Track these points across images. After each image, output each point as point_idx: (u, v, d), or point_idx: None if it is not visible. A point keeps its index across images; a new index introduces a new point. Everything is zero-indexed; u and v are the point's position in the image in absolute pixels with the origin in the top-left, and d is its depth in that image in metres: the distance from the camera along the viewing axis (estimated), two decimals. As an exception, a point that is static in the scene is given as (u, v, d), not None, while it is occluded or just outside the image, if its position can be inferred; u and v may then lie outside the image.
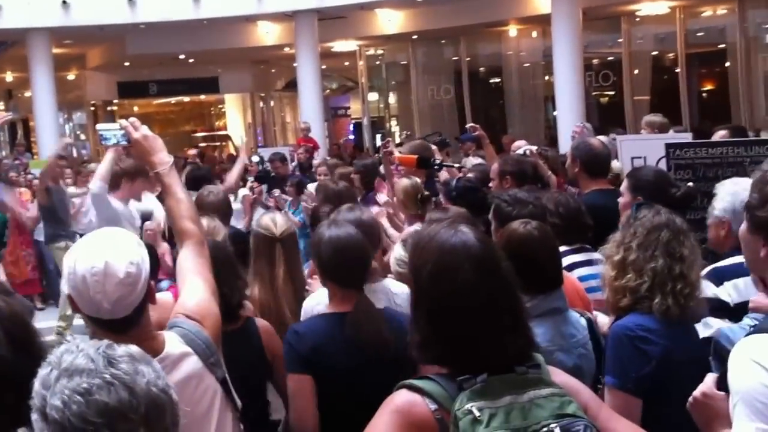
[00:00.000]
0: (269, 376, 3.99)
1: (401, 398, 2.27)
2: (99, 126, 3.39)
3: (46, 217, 11.15)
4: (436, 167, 7.04)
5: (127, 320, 2.51)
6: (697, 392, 2.37)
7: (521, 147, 9.34)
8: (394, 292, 4.20)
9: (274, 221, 4.63)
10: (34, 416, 1.79)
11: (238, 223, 8.39)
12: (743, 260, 2.63)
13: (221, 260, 3.60)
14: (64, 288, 2.86)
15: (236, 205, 11.06)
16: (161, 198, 5.60)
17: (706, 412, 2.33)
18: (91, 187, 7.04)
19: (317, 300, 4.17)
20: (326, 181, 8.56)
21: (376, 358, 3.51)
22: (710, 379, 2.36)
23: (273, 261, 4.52)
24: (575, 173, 6.01)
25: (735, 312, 3.58)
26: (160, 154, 3.11)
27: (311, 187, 9.87)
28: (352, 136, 28.02)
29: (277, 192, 10.74)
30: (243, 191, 11.56)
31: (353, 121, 29.25)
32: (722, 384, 2.23)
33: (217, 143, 30.06)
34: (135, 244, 2.60)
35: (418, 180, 6.67)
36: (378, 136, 24.36)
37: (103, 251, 2.49)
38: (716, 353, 2.53)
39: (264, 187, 11.17)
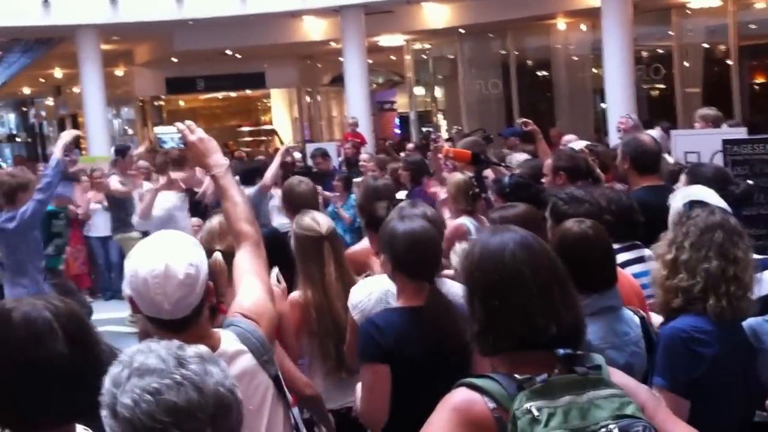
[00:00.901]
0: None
1: (460, 396, 2.29)
2: (157, 129, 3.45)
3: (116, 208, 11.25)
4: (486, 164, 6.99)
5: (185, 320, 2.60)
6: None
7: (572, 141, 9.26)
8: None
9: (316, 220, 4.64)
10: (104, 413, 1.84)
11: (280, 218, 8.42)
12: None
13: None
14: (126, 290, 2.89)
15: (277, 202, 11.13)
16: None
17: None
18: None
19: (369, 290, 4.20)
20: (368, 176, 8.57)
21: (450, 351, 3.54)
22: None
23: (322, 261, 4.54)
24: (625, 169, 5.93)
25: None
26: (216, 156, 3.19)
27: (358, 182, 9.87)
28: (398, 131, 27.99)
29: (319, 188, 10.71)
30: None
31: (399, 115, 29.22)
32: None
33: (263, 138, 30.20)
34: (193, 246, 2.70)
35: (471, 175, 6.65)
36: (424, 130, 24.36)
37: (163, 254, 2.58)
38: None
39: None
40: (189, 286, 2.58)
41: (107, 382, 1.86)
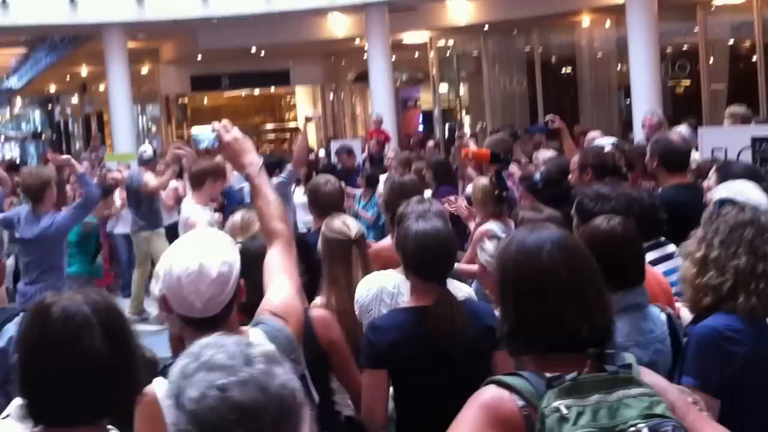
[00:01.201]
0: (327, 366, 3.96)
1: (489, 394, 2.27)
2: (193, 129, 3.50)
3: (144, 205, 11.31)
4: (506, 162, 6.99)
5: (216, 318, 2.63)
6: None
7: (597, 138, 9.24)
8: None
9: (346, 224, 4.64)
10: (168, 402, 1.84)
11: (306, 215, 8.43)
12: None
13: None
14: (155, 289, 2.92)
15: (305, 199, 11.15)
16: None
17: None
18: None
19: (369, 286, 4.28)
20: (394, 173, 8.59)
21: (454, 351, 3.57)
22: None
23: (350, 264, 4.53)
24: (654, 168, 5.93)
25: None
26: (251, 155, 3.19)
27: (383, 179, 9.88)
28: (421, 128, 27.97)
29: (342, 185, 10.73)
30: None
31: (422, 112, 29.20)
32: None
33: (287, 135, 30.27)
34: (228, 245, 2.74)
35: (491, 174, 6.65)
36: (447, 126, 24.35)
37: (198, 253, 2.63)
38: None
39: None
40: (221, 284, 2.61)
41: (175, 372, 1.86)
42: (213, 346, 1.87)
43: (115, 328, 2.25)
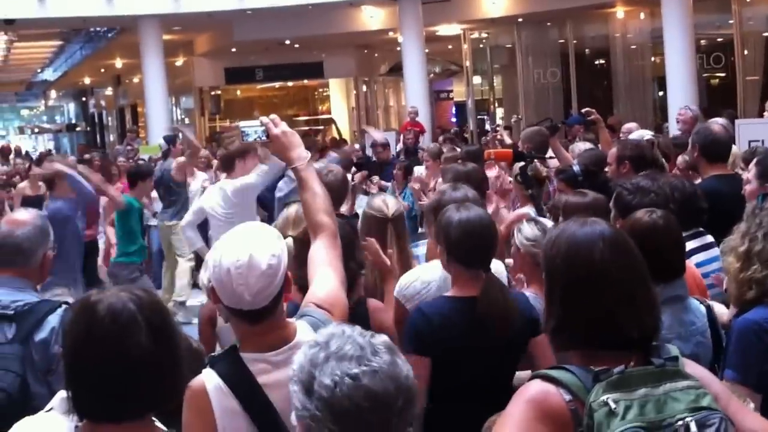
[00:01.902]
0: None
1: (535, 388, 2.26)
2: (242, 123, 3.54)
3: (170, 196, 11.38)
4: (528, 159, 6.99)
5: (264, 310, 2.64)
6: None
7: (633, 130, 9.22)
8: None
9: (386, 203, 4.74)
10: (295, 387, 1.91)
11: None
12: None
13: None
14: (204, 278, 2.95)
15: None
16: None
17: None
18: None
19: (416, 275, 4.29)
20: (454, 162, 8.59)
21: (499, 340, 3.59)
22: None
23: (385, 242, 4.60)
24: (695, 158, 5.91)
25: None
26: (298, 150, 3.22)
27: (418, 171, 9.90)
28: (454, 119, 27.97)
29: (376, 178, 10.81)
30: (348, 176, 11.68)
31: (455, 104, 29.18)
32: None
33: (320, 127, 30.34)
34: (275, 237, 2.74)
35: (538, 163, 6.65)
36: (478, 118, 24.33)
37: (247, 245, 2.63)
38: None
39: (365, 173, 11.29)
40: (270, 276, 2.62)
41: (303, 360, 1.92)
42: (338, 335, 1.94)
43: (160, 324, 2.26)
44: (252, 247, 2.62)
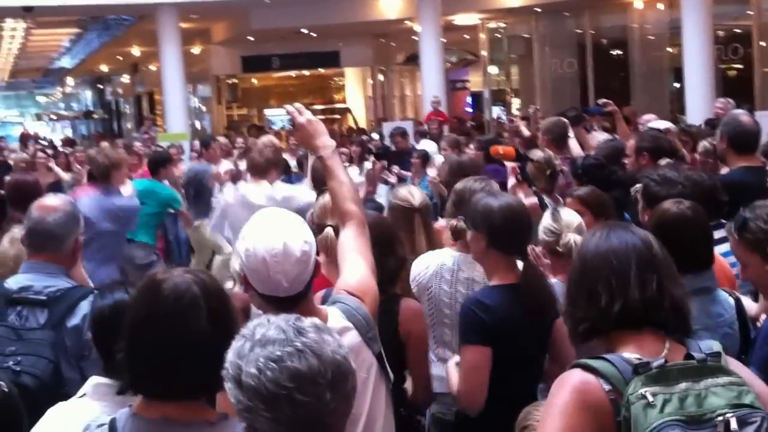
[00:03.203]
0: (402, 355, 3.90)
1: (576, 377, 2.27)
2: (267, 112, 3.52)
3: (197, 195, 11.45)
4: (526, 159, 7.05)
5: (299, 296, 2.67)
6: None
7: (651, 120, 9.23)
8: None
9: (412, 193, 4.75)
10: (228, 384, 1.93)
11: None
12: None
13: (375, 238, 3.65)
14: (236, 266, 2.97)
15: (360, 178, 11.25)
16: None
17: None
18: None
19: (426, 263, 4.31)
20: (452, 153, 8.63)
21: (544, 327, 3.68)
22: None
23: (412, 231, 4.62)
24: (723, 149, 5.86)
25: None
26: (323, 138, 3.21)
27: (438, 160, 9.95)
28: (470, 109, 27.95)
29: (396, 168, 10.86)
30: (367, 165, 11.76)
31: (471, 94, 29.14)
32: None
33: (337, 116, 30.37)
34: (303, 224, 2.75)
35: (552, 154, 6.69)
36: (494, 109, 24.31)
37: (279, 233, 2.64)
38: None
39: (384, 163, 11.36)
40: (305, 262, 2.64)
41: (230, 355, 1.94)
42: (263, 324, 1.95)
43: (221, 309, 2.31)
44: (284, 235, 2.64)
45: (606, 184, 5.65)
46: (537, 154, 6.62)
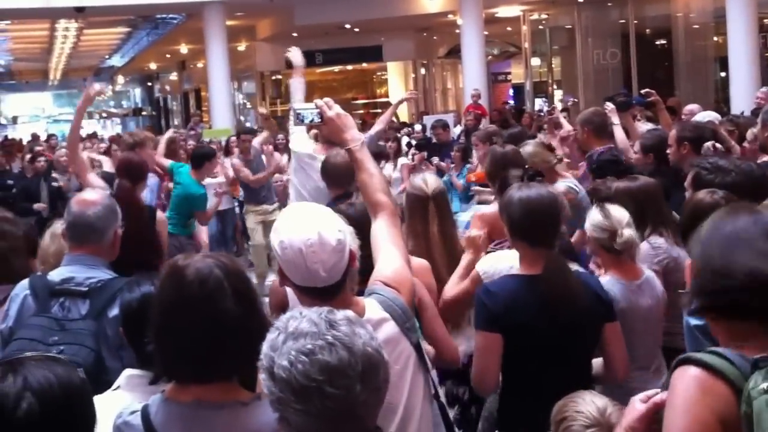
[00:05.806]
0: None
1: (694, 373, 2.12)
2: (296, 105, 3.59)
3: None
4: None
5: (337, 285, 2.66)
6: None
7: (695, 111, 9.22)
8: None
9: (425, 181, 4.80)
10: (262, 375, 1.98)
11: (395, 190, 8.62)
12: None
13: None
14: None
15: (395, 174, 11.40)
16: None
17: None
18: None
19: (490, 263, 4.32)
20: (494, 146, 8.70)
21: (565, 317, 3.61)
22: None
23: (426, 219, 4.68)
24: (765, 138, 5.83)
25: None
26: (352, 131, 3.23)
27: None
28: (511, 102, 27.98)
29: (435, 159, 11.02)
30: (402, 160, 11.92)
31: (513, 86, 29.12)
32: None
33: (379, 111, 30.46)
34: (331, 212, 2.78)
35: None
36: (537, 101, 24.31)
37: (313, 223, 2.64)
38: None
39: (424, 154, 11.52)
40: (340, 251, 2.63)
41: (265, 346, 1.97)
42: (296, 317, 1.99)
43: (245, 291, 2.37)
44: (318, 225, 2.63)
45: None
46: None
